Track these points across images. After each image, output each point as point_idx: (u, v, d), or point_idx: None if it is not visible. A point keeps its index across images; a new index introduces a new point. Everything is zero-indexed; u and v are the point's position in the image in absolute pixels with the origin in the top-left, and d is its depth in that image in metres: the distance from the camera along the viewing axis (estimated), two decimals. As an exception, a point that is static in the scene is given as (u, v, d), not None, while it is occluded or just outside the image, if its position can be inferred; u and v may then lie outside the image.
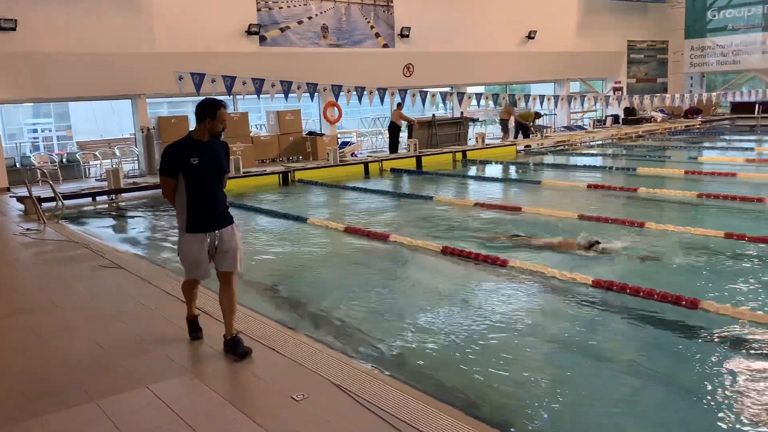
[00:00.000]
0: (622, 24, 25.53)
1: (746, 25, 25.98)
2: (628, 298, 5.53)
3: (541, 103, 18.95)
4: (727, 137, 19.96)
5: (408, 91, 15.86)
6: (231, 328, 4.41)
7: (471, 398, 3.97)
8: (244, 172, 13.90)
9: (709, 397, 3.92)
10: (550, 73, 23.78)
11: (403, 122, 17.62)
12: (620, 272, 6.31)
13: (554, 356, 4.65)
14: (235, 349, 4.35)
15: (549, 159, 17.04)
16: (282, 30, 17.31)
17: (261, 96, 14.41)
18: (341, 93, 15.43)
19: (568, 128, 23.22)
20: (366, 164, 15.69)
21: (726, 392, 3.96)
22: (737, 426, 3.59)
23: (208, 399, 3.84)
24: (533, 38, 22.51)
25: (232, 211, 4.54)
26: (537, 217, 9.14)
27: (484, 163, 16.49)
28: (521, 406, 3.88)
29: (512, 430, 3.56)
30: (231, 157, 7.11)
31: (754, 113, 23.70)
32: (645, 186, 11.06)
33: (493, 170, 15.74)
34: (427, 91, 16.06)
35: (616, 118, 24.09)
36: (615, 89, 25.74)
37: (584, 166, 14.75)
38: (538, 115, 20.59)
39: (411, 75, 19.69)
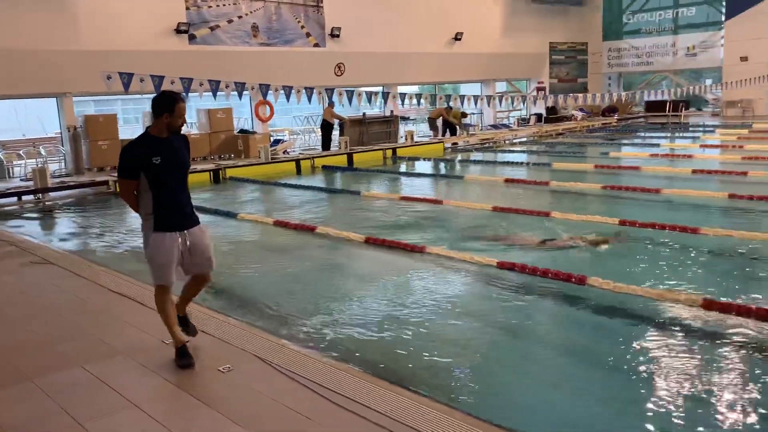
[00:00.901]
0: (544, 26, 26.81)
1: (658, 29, 27.85)
2: (529, 277, 6.16)
3: (462, 102, 19.80)
4: (641, 134, 21.36)
5: (335, 90, 16.26)
6: (184, 309, 4.63)
7: (398, 371, 4.32)
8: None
9: (590, 355, 4.61)
10: (477, 74, 24.75)
11: (335, 120, 18.03)
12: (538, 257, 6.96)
13: (468, 330, 5.18)
14: (187, 326, 4.57)
15: (475, 156, 17.83)
16: (212, 29, 17.38)
17: (190, 95, 14.48)
18: (269, 92, 15.66)
19: (494, 126, 24.25)
20: (298, 161, 16.02)
21: (605, 349, 4.65)
22: (614, 374, 4.24)
23: (141, 374, 4.17)
24: (460, 39, 23.35)
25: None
26: (458, 210, 9.76)
27: (413, 159, 17.12)
28: (441, 376, 4.30)
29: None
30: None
31: (665, 111, 25.41)
32: (558, 180, 11.88)
33: (422, 166, 16.38)
34: (353, 91, 16.51)
35: (539, 117, 25.27)
36: (538, 89, 26.99)
37: (506, 162, 15.56)
38: (464, 115, 21.46)
39: (342, 74, 20.12)
